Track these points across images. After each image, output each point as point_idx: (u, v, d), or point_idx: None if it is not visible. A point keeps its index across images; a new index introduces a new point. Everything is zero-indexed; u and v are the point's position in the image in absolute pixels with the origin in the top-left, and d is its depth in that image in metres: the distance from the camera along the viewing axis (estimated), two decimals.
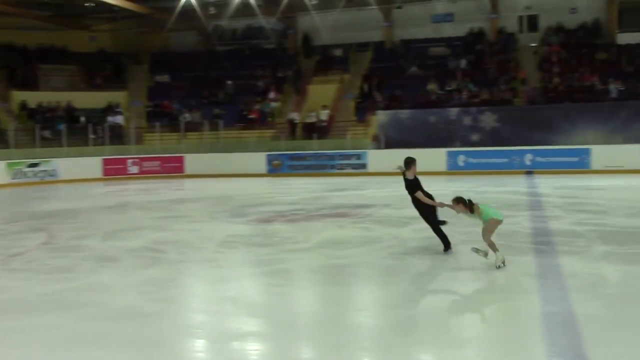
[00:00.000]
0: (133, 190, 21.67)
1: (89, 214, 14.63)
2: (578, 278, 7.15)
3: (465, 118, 25.63)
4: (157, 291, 7.12)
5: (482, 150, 24.51)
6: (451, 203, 8.07)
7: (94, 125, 29.04)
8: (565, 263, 7.91)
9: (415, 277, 7.54)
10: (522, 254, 8.56)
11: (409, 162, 9.20)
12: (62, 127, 28.19)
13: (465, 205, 7.94)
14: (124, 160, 27.41)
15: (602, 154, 23.26)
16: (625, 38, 29.79)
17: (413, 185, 9.02)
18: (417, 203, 9.01)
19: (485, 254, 7.98)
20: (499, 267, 7.68)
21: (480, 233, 7.91)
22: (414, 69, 30.46)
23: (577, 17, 31.25)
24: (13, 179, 24.90)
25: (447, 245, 8.90)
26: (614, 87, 25.70)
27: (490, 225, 7.80)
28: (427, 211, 8.96)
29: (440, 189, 18.94)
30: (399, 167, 9.27)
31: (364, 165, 25.60)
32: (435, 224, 9.01)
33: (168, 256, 9.11)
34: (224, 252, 9.42)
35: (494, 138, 25.10)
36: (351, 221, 12.28)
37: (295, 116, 28.99)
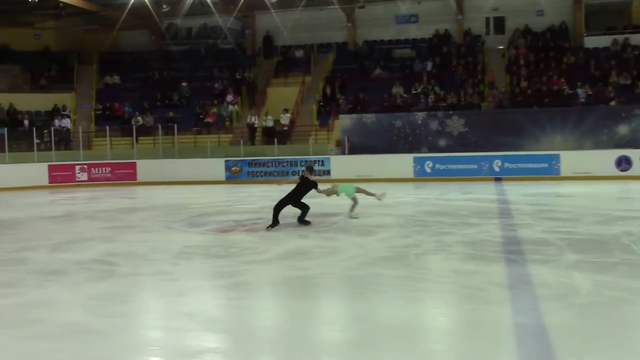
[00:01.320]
0: (82, 199, 21.31)
1: (34, 224, 14.34)
2: (549, 287, 7.28)
3: (431, 122, 25.90)
4: (108, 306, 7.02)
5: (449, 156, 24.81)
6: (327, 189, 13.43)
7: (38, 129, 28.52)
8: (535, 272, 8.06)
9: (381, 288, 7.58)
10: (492, 263, 8.69)
11: (312, 167, 13.64)
12: (4, 131, 27.62)
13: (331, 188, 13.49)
14: (71, 167, 26.96)
15: (571, 160, 23.79)
16: (592, 41, 30.59)
17: (315, 184, 12.94)
18: (299, 197, 12.67)
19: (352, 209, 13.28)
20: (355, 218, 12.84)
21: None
22: (378, 71, 30.72)
23: (544, 19, 31.94)
24: None
25: (273, 224, 12.18)
26: (582, 92, 26.35)
27: (354, 199, 13.51)
28: (301, 203, 12.69)
29: (407, 196, 19.16)
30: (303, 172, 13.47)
31: (327, 172, 25.65)
32: (280, 207, 12.45)
33: (119, 269, 8.98)
34: (180, 264, 9.33)
35: (461, 143, 25.44)
36: (314, 230, 12.27)
37: (254, 120, 28.94)
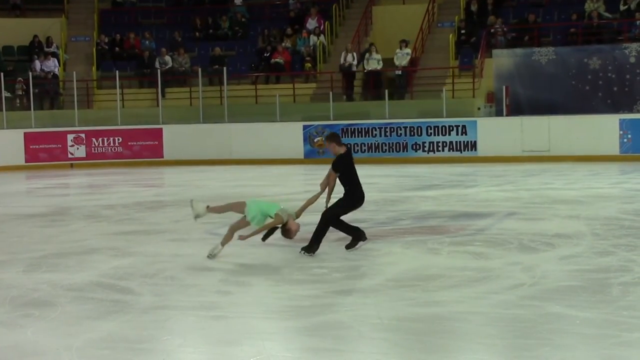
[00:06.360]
0: (77, 187, 21.99)
1: (4, 228, 14.87)
2: None
3: None
4: (119, 359, 7.21)
5: None
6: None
7: (8, 75, 29.36)
8: None
9: (563, 340, 7.45)
10: None
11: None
12: None
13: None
14: (61, 136, 27.78)
15: None
16: None
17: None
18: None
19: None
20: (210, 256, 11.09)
21: None
22: None
23: None
24: None
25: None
26: None
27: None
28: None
29: (609, 185, 18.71)
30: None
31: (472, 145, 25.41)
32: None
33: (137, 299, 9.22)
34: (231, 293, 9.52)
35: None
36: (451, 241, 12.24)
37: (352, 60, 28.95)
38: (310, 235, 11.40)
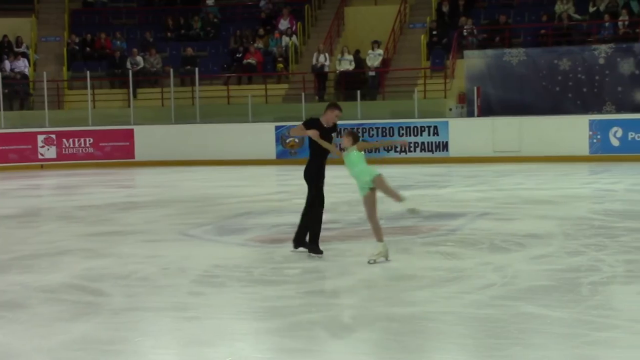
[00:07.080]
0: (49, 189, 21.86)
1: None
2: None
3: (623, 62, 25.43)
4: None
5: None
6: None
7: None
8: None
9: (534, 339, 7.51)
10: None
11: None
12: None
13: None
14: (31, 137, 27.67)
15: None
16: None
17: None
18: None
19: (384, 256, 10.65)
20: (373, 262, 10.49)
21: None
22: None
23: None
24: None
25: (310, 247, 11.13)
26: None
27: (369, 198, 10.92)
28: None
29: (579, 186, 18.83)
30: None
31: (443, 145, 25.50)
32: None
33: (109, 300, 9.20)
34: (204, 294, 9.50)
35: None
36: (423, 241, 12.31)
37: (324, 61, 28.98)
38: (285, 236, 11.36)
